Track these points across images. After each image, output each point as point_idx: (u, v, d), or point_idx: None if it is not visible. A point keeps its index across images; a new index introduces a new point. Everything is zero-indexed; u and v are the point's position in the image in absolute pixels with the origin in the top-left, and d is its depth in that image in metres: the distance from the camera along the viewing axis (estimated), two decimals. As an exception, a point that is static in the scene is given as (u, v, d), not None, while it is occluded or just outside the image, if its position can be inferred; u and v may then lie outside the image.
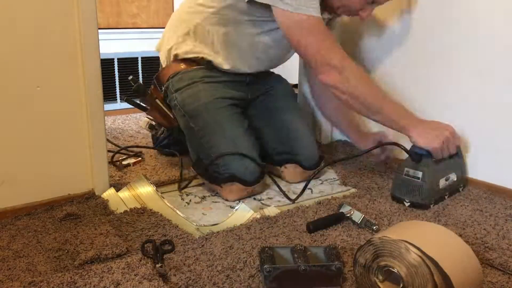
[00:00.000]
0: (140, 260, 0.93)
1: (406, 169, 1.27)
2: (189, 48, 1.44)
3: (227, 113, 1.40)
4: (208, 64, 1.43)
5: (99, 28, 1.22)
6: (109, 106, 2.52)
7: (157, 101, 1.50)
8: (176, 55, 1.46)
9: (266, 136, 1.51)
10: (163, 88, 1.48)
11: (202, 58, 1.43)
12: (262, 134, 1.51)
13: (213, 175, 1.35)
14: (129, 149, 1.76)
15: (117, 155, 1.65)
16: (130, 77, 1.49)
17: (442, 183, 1.28)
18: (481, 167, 1.38)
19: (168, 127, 1.53)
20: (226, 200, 1.35)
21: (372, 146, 1.41)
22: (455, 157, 1.32)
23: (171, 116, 1.49)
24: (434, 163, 1.25)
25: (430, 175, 1.24)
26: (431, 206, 1.25)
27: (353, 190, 1.40)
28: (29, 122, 1.16)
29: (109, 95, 2.55)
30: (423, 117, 1.32)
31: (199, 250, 1.01)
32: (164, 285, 0.86)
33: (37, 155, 1.19)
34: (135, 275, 0.88)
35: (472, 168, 1.40)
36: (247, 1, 1.31)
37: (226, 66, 1.43)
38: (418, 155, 1.26)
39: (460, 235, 1.08)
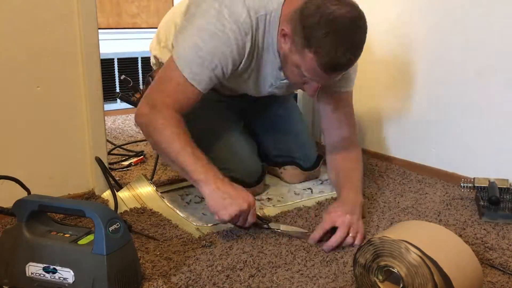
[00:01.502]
0: (140, 260, 0.93)
1: None
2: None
3: (224, 116, 1.39)
4: None
5: (99, 28, 1.22)
6: (109, 106, 2.52)
7: None
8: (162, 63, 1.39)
9: (264, 138, 1.50)
10: None
11: None
12: (260, 136, 1.50)
13: None
14: (129, 149, 1.77)
15: (117, 157, 1.66)
16: (122, 77, 1.53)
17: None
18: (481, 167, 1.38)
19: None
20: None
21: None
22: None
23: None
24: None
25: None
26: None
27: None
28: (29, 122, 1.16)
29: (109, 95, 2.56)
30: (423, 116, 1.31)
31: (199, 250, 1.01)
32: (164, 284, 0.86)
33: (37, 155, 1.19)
34: (135, 275, 0.88)
35: (472, 168, 1.40)
36: None
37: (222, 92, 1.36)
38: None
39: (460, 235, 1.08)
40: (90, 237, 0.83)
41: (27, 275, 0.83)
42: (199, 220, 1.21)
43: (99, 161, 1.27)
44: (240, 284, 0.88)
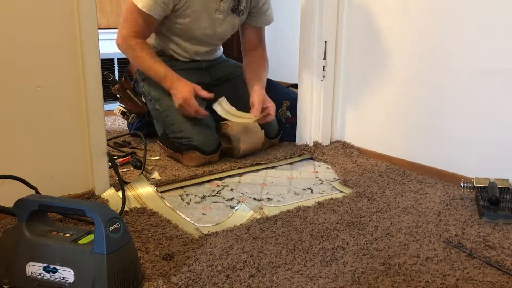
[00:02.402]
0: (140, 260, 0.93)
1: None
2: (152, 45, 1.73)
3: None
4: (168, 56, 1.73)
5: (99, 28, 1.22)
6: (109, 106, 2.52)
7: (128, 91, 1.84)
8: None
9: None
10: (132, 79, 1.80)
11: (163, 52, 1.73)
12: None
13: (175, 145, 1.62)
14: (121, 149, 1.79)
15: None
16: (105, 73, 1.81)
17: None
18: (481, 167, 1.38)
19: (137, 113, 1.87)
20: (187, 166, 1.58)
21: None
22: None
23: (140, 103, 1.83)
24: None
25: None
26: None
27: (353, 190, 1.40)
28: (29, 122, 1.16)
29: (109, 95, 2.55)
30: (424, 116, 1.31)
31: (199, 250, 1.01)
32: (164, 284, 0.86)
33: (37, 155, 1.19)
34: (135, 275, 0.88)
35: (472, 168, 1.40)
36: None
37: (181, 58, 1.75)
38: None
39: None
40: (91, 237, 0.84)
41: (27, 274, 0.83)
42: (199, 220, 1.21)
43: (109, 155, 1.30)
44: (240, 284, 0.88)
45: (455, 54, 1.41)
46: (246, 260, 0.96)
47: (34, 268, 0.83)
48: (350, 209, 1.23)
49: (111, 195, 1.29)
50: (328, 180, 1.51)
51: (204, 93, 1.57)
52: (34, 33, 1.13)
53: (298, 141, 1.86)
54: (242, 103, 1.66)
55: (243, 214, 1.22)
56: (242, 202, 1.31)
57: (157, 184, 1.41)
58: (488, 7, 1.31)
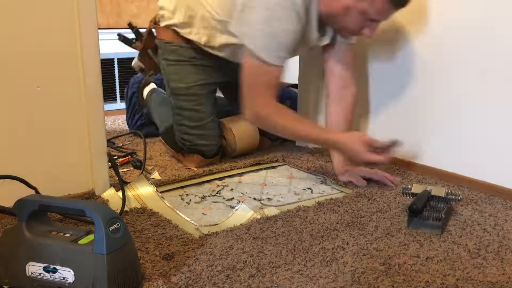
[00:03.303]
0: (140, 260, 0.93)
1: None
2: (189, 31, 1.54)
3: (203, 100, 1.60)
4: (198, 47, 1.57)
5: (99, 28, 1.22)
6: (109, 106, 2.53)
7: (149, 50, 1.75)
8: (172, 27, 1.58)
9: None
10: (156, 43, 1.67)
11: (198, 43, 1.55)
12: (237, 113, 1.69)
13: (177, 146, 1.62)
14: (121, 149, 1.80)
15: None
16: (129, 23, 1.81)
17: None
18: (481, 167, 1.38)
19: (156, 71, 1.78)
20: (186, 167, 1.58)
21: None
22: None
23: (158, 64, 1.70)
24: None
25: None
26: None
27: (353, 189, 1.40)
28: (29, 122, 1.16)
29: (109, 95, 2.55)
30: (423, 116, 1.31)
31: (199, 250, 1.01)
32: (164, 284, 0.86)
33: (37, 155, 1.19)
34: (135, 275, 0.88)
35: (472, 168, 1.40)
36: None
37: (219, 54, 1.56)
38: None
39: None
40: (91, 237, 0.83)
41: (27, 274, 0.82)
42: (199, 220, 1.21)
43: (109, 155, 1.30)
44: (240, 284, 0.88)
45: (455, 54, 1.41)
46: (246, 260, 0.96)
47: (34, 268, 0.82)
48: (350, 209, 1.23)
49: (111, 195, 1.29)
50: (329, 180, 1.51)
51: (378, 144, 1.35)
52: (34, 33, 1.13)
53: (298, 142, 1.86)
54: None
55: (243, 214, 1.22)
56: (242, 202, 1.31)
57: (157, 184, 1.41)
58: (489, 6, 1.31)
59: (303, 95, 1.83)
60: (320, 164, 1.61)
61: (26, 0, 1.10)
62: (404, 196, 1.23)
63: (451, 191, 1.18)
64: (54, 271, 0.82)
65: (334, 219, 1.17)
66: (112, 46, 2.52)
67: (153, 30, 1.69)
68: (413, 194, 1.20)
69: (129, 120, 2.04)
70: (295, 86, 1.99)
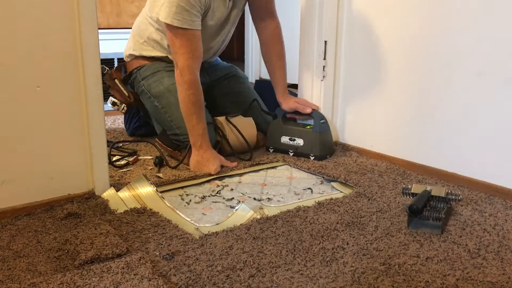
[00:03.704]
0: (140, 260, 0.93)
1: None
2: (148, 52, 1.77)
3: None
4: (167, 58, 1.75)
5: (99, 28, 1.22)
6: (109, 106, 2.52)
7: (116, 81, 1.87)
8: (141, 55, 1.79)
9: (230, 110, 1.80)
10: (130, 79, 1.84)
11: (161, 56, 1.76)
12: (227, 110, 1.80)
13: (174, 144, 1.68)
14: (123, 148, 1.80)
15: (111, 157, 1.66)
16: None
17: (284, 140, 1.73)
18: (481, 167, 1.38)
19: (126, 103, 1.89)
20: (186, 165, 1.59)
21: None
22: None
23: (126, 93, 1.86)
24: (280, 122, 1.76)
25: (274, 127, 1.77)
26: None
27: (353, 189, 1.40)
28: (29, 122, 1.16)
29: (109, 95, 2.55)
30: (424, 116, 1.30)
31: (199, 250, 1.01)
32: (164, 284, 0.86)
33: (37, 155, 1.19)
34: (134, 274, 0.88)
35: (472, 168, 1.40)
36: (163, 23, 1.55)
37: None
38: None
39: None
40: (310, 126, 1.70)
41: (281, 142, 1.73)
42: (199, 220, 1.21)
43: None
44: (240, 284, 0.88)
45: (456, 54, 1.41)
46: (246, 260, 0.96)
47: (285, 139, 1.72)
48: (350, 209, 1.23)
49: (111, 195, 1.29)
50: (328, 179, 1.51)
51: (231, 164, 1.58)
52: (34, 33, 1.13)
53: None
54: (241, 98, 1.81)
55: (243, 214, 1.22)
56: (242, 202, 1.31)
57: (157, 184, 1.41)
58: (490, 8, 1.31)
59: (303, 95, 1.83)
60: (320, 164, 1.61)
61: (26, 0, 1.10)
62: (404, 196, 1.23)
63: (451, 191, 1.18)
64: (294, 140, 1.70)
65: (334, 219, 1.17)
66: (112, 46, 2.52)
67: (123, 66, 1.90)
68: (413, 194, 1.20)
69: (126, 124, 2.05)
70: (295, 86, 1.99)
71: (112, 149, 1.76)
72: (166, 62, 1.75)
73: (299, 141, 1.67)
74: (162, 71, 1.74)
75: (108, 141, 1.71)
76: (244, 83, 1.94)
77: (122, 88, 1.87)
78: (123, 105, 1.90)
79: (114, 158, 1.64)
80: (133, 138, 1.97)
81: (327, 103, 1.79)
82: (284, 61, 1.79)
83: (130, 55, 1.83)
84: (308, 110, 1.72)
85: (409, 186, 1.22)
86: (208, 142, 1.57)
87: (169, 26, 1.50)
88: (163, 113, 1.69)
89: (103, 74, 1.81)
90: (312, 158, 1.64)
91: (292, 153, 1.69)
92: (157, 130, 1.81)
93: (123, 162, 1.62)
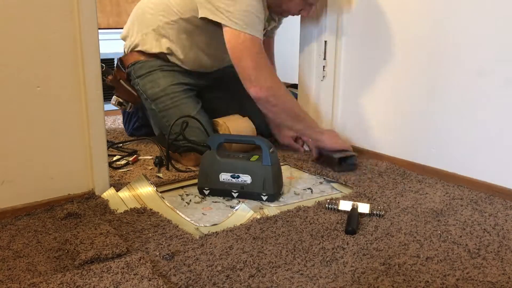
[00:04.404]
0: (140, 260, 0.93)
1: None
2: (147, 47, 1.68)
3: (183, 96, 1.66)
4: (165, 56, 1.68)
5: (99, 28, 1.22)
6: (109, 106, 2.52)
7: (121, 81, 1.80)
8: (139, 50, 1.70)
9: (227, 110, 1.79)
10: (126, 71, 1.75)
11: (162, 53, 1.67)
12: (225, 114, 1.76)
13: (173, 146, 1.62)
14: (123, 147, 1.80)
15: (110, 157, 1.64)
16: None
17: (225, 178, 1.39)
18: (481, 167, 1.38)
19: (134, 102, 1.82)
20: (186, 166, 1.59)
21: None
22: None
23: (134, 93, 1.77)
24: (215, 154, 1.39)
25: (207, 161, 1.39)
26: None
27: (353, 190, 1.40)
28: (29, 122, 1.16)
29: (109, 95, 2.55)
30: (424, 116, 1.30)
31: (199, 250, 1.01)
32: (164, 284, 0.86)
33: (37, 155, 1.19)
34: (134, 274, 0.88)
35: (472, 168, 1.40)
36: (200, 17, 1.54)
37: (185, 67, 1.71)
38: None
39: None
40: (255, 157, 1.35)
41: (220, 180, 1.35)
42: (199, 220, 1.21)
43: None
44: (240, 284, 0.88)
45: (456, 54, 1.41)
46: (246, 260, 0.96)
47: (225, 176, 1.35)
48: (350, 209, 1.23)
49: (111, 195, 1.29)
50: (328, 179, 1.51)
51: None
52: (34, 33, 1.13)
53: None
54: (236, 98, 1.73)
55: (243, 214, 1.22)
56: (242, 202, 1.31)
57: (157, 184, 1.41)
58: (490, 8, 1.31)
59: (303, 95, 1.83)
60: (320, 164, 1.61)
61: (26, 0, 1.10)
62: (329, 211, 1.23)
63: (376, 206, 1.20)
64: (238, 177, 1.34)
65: (334, 219, 1.17)
66: (112, 46, 2.52)
67: (120, 63, 1.79)
68: (339, 211, 1.21)
69: (126, 125, 2.04)
70: (295, 86, 1.99)
71: (112, 149, 1.77)
72: (162, 59, 1.69)
73: (245, 178, 1.33)
74: (157, 70, 1.68)
75: (108, 141, 1.72)
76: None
77: (129, 88, 1.80)
78: (130, 103, 1.84)
79: (114, 158, 1.64)
80: (133, 138, 1.94)
81: (327, 103, 1.79)
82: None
83: (128, 46, 1.75)
84: (301, 151, 1.73)
85: (336, 202, 1.23)
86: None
87: (243, 38, 1.47)
88: (161, 117, 1.66)
89: (104, 74, 1.77)
90: (264, 198, 1.32)
91: (237, 194, 1.34)
92: (155, 131, 1.79)
93: (123, 162, 1.62)
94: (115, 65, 2.36)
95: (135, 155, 1.68)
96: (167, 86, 1.65)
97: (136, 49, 1.71)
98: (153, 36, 1.67)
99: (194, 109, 1.65)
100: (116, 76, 1.81)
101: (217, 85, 1.85)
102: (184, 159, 1.61)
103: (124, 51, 1.79)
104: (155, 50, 1.68)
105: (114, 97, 1.87)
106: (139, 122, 1.98)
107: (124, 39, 1.79)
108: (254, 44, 1.48)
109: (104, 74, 1.81)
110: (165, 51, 1.67)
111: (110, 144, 1.79)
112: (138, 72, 1.70)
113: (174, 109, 1.62)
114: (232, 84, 1.77)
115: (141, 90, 1.70)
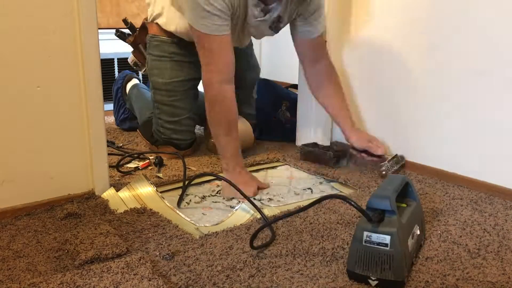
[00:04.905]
0: (140, 260, 0.93)
1: (365, 233, 0.89)
2: (166, 21, 1.61)
3: (183, 95, 1.66)
4: (181, 40, 1.63)
5: (99, 28, 1.22)
6: (109, 106, 2.52)
7: (140, 46, 1.82)
8: (157, 22, 1.65)
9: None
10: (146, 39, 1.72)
11: (175, 32, 1.61)
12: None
13: (153, 138, 1.71)
14: (121, 149, 1.80)
15: (117, 157, 1.62)
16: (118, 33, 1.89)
17: (410, 244, 0.94)
18: (481, 167, 1.38)
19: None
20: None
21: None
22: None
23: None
24: (400, 219, 0.91)
25: (400, 238, 0.87)
26: (405, 282, 0.89)
27: (353, 190, 1.40)
28: (29, 122, 1.16)
29: (109, 95, 2.55)
30: (424, 116, 1.30)
31: (199, 250, 1.01)
32: (164, 284, 0.86)
33: (37, 155, 1.19)
34: (134, 274, 0.88)
35: (472, 168, 1.40)
36: None
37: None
38: (377, 212, 0.90)
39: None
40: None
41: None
42: (199, 220, 1.21)
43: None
44: (240, 284, 0.88)
45: (456, 55, 1.41)
46: (246, 260, 0.96)
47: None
48: (350, 209, 1.23)
49: (111, 195, 1.29)
50: (328, 179, 1.51)
51: (265, 186, 1.44)
52: (34, 33, 1.13)
53: (298, 142, 1.86)
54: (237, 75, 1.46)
55: (243, 214, 1.22)
56: (242, 202, 1.31)
57: (157, 184, 1.41)
58: (490, 8, 1.31)
59: (303, 95, 1.82)
60: (320, 164, 1.61)
61: (26, 0, 1.10)
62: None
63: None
64: None
65: (334, 219, 1.17)
66: (112, 46, 2.52)
67: (146, 25, 1.74)
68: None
69: (115, 114, 2.14)
70: (295, 86, 1.99)
71: (117, 150, 1.76)
72: (176, 44, 1.62)
73: (416, 230, 0.99)
74: (167, 58, 1.64)
75: (125, 152, 1.73)
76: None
77: (146, 55, 1.75)
78: (145, 68, 1.81)
79: (125, 163, 1.57)
80: (150, 149, 1.79)
81: (327, 103, 1.79)
82: (342, 95, 1.60)
83: (150, 14, 1.68)
84: (380, 152, 1.52)
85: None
86: (241, 163, 1.41)
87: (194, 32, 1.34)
88: (155, 106, 1.70)
89: (127, 33, 1.86)
90: None
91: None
92: (140, 120, 1.85)
93: (132, 165, 1.57)
94: (115, 67, 2.37)
95: (147, 161, 1.61)
96: (170, 81, 1.64)
97: (156, 21, 1.65)
98: (171, 10, 1.58)
99: (189, 110, 1.68)
100: (136, 40, 1.81)
101: None
102: (160, 150, 1.69)
103: (147, 17, 1.74)
104: (169, 27, 1.61)
105: (131, 55, 1.88)
106: (125, 114, 2.05)
107: (148, 4, 1.72)
108: (199, 40, 1.34)
109: (129, 34, 1.87)
110: (178, 29, 1.58)
111: (109, 145, 1.76)
112: (152, 50, 1.67)
113: (169, 106, 1.65)
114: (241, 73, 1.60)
115: (148, 68, 1.70)
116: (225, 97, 1.35)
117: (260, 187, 1.41)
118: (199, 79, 1.60)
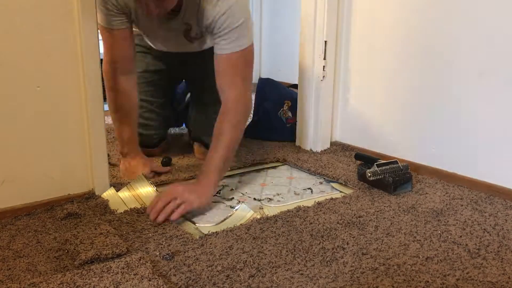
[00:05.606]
0: (140, 260, 0.93)
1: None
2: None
3: (148, 89, 1.66)
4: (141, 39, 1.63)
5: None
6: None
7: None
8: None
9: (193, 112, 1.77)
10: None
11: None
12: (193, 107, 1.76)
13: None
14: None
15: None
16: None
17: None
18: (481, 167, 1.38)
19: None
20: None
21: None
22: None
23: None
24: None
25: None
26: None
27: (353, 190, 1.40)
28: (29, 122, 1.16)
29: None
30: (424, 116, 1.30)
31: (199, 250, 1.01)
32: (164, 284, 0.86)
33: (37, 155, 1.19)
34: (134, 274, 0.88)
35: (472, 168, 1.40)
36: None
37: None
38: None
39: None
40: None
41: None
42: (199, 220, 1.21)
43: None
44: (240, 284, 0.88)
45: (456, 55, 1.41)
46: (246, 260, 0.96)
47: None
48: (350, 209, 1.23)
49: (111, 195, 1.29)
50: (328, 180, 1.51)
51: (164, 169, 1.51)
52: (34, 33, 1.13)
53: (298, 142, 1.86)
54: (211, 79, 1.37)
55: (243, 214, 1.22)
56: (242, 202, 1.31)
57: (157, 184, 1.41)
58: (490, 8, 1.31)
59: (303, 95, 1.83)
60: (320, 164, 1.61)
61: (26, 0, 1.10)
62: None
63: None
64: None
65: (334, 219, 1.17)
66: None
67: None
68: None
69: None
70: (295, 86, 1.99)
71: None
72: (137, 37, 1.57)
73: None
74: (142, 48, 1.65)
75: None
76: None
77: None
78: None
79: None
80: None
81: (327, 103, 1.79)
82: (224, 142, 1.30)
83: None
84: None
85: None
86: (136, 148, 1.50)
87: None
88: None
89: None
90: None
91: None
92: None
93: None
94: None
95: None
96: (140, 72, 1.62)
97: None
98: None
99: (152, 103, 1.66)
100: None
101: (193, 63, 1.65)
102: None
103: None
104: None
105: None
106: None
107: None
108: (100, 32, 1.34)
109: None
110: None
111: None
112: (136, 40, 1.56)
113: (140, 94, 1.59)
114: (208, 63, 1.41)
115: None
116: (119, 86, 1.42)
117: (157, 171, 1.50)
118: (165, 71, 1.68)
